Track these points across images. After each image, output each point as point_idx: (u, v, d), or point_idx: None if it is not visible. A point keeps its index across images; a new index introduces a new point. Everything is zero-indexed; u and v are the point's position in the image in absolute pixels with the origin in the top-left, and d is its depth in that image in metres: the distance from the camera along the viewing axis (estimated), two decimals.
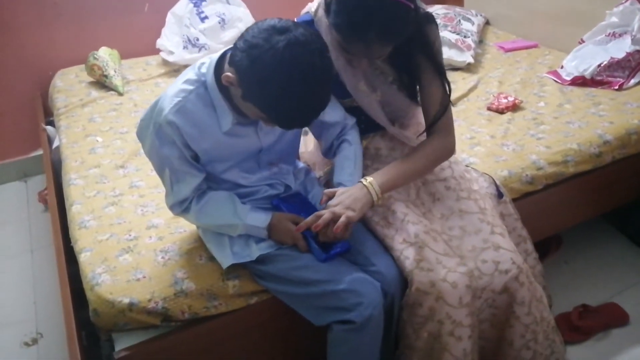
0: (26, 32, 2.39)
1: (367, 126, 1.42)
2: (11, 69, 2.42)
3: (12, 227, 2.26)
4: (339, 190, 1.23)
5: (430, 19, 1.28)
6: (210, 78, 1.14)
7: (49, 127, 2.16)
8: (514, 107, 2.00)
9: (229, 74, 1.06)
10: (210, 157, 1.22)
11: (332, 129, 1.36)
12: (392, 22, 1.10)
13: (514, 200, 1.57)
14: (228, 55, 1.10)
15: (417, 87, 1.36)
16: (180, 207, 1.26)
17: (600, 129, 1.82)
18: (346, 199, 1.19)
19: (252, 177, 1.30)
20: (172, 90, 1.16)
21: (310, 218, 1.19)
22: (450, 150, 1.34)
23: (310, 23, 1.29)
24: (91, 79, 2.35)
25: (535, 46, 2.63)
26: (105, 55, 2.33)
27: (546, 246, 1.92)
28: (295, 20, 1.26)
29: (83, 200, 1.59)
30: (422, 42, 1.26)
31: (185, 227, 1.42)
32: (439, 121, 1.30)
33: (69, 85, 2.35)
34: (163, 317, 1.23)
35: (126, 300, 1.21)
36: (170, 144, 1.16)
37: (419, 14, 1.18)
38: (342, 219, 1.15)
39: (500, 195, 1.48)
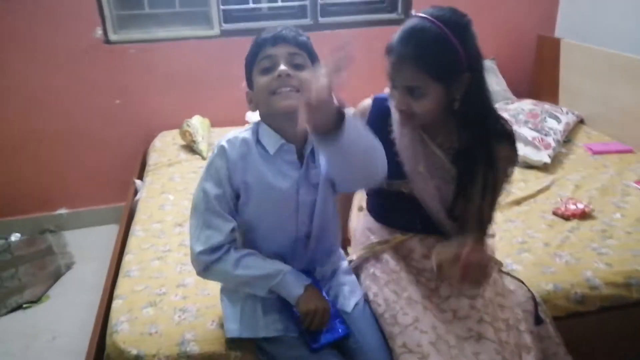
0: (143, 97, 2.79)
1: (409, 225, 1.38)
2: (126, 127, 2.83)
3: (96, 264, 2.53)
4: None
5: (503, 135, 1.24)
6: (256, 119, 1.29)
7: (137, 181, 2.45)
8: (582, 215, 1.85)
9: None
10: (250, 193, 1.22)
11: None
12: (429, 48, 1.15)
13: (557, 319, 1.42)
14: None
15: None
16: (211, 255, 1.19)
17: None
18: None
19: (292, 262, 1.29)
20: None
21: None
22: None
23: (385, 100, 1.33)
24: (183, 142, 2.64)
25: (629, 151, 2.42)
26: (197, 122, 2.62)
27: None
28: (374, 96, 1.38)
29: (137, 251, 1.76)
30: (487, 154, 1.22)
31: (209, 291, 1.50)
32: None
33: (164, 146, 2.66)
34: None
35: (134, 352, 1.30)
36: (215, 182, 1.20)
37: (472, 64, 1.18)
38: None
39: (538, 320, 1.34)
